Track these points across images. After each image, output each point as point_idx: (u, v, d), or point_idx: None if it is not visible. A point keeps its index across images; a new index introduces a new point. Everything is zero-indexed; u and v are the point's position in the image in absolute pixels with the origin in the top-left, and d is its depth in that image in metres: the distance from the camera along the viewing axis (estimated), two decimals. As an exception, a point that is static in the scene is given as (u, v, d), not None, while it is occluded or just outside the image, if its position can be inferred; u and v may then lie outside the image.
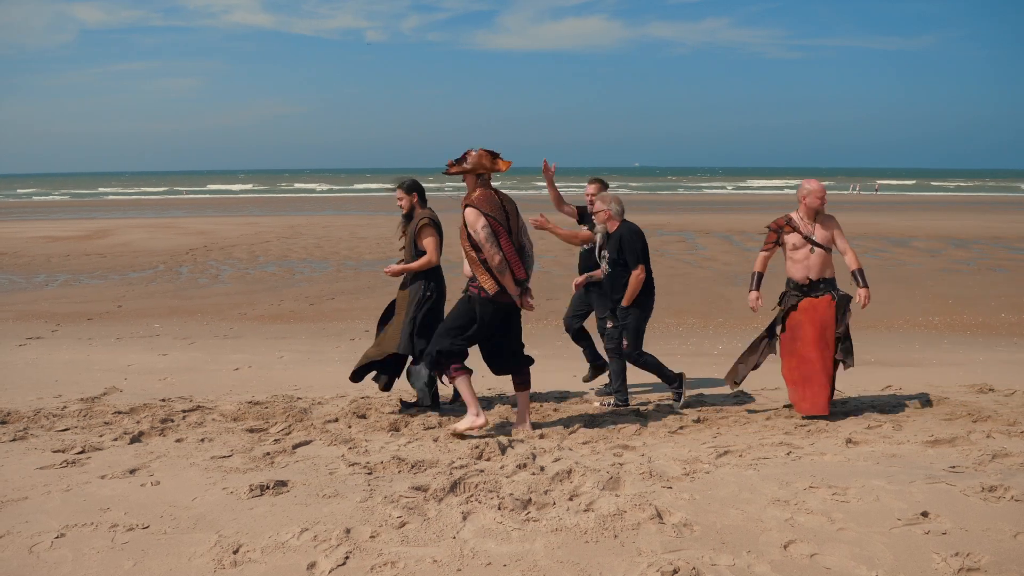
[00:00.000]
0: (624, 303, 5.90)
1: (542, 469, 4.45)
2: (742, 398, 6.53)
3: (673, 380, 6.14)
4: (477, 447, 4.88)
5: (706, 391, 6.83)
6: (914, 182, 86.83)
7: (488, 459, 4.68)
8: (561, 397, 6.47)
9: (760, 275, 6.09)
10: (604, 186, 6.54)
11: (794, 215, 5.99)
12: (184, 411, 5.88)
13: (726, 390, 6.79)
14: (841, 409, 6.00)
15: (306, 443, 5.05)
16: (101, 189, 74.68)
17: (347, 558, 3.34)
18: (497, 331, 5.31)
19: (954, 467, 4.46)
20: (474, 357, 5.51)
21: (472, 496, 4.03)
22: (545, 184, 6.57)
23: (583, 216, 6.61)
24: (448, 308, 5.66)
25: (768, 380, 7.26)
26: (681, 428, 5.45)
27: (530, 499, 3.98)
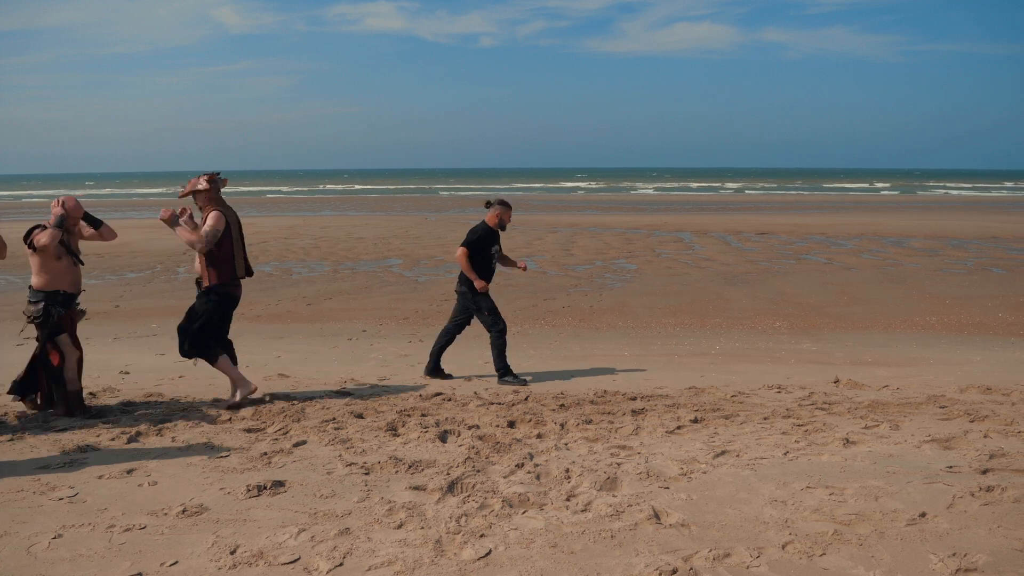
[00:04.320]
0: None
1: (539, 469, 4.45)
2: (740, 398, 6.53)
3: None
4: (474, 447, 4.88)
5: (704, 391, 6.82)
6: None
7: (486, 459, 4.68)
8: (559, 397, 6.47)
9: None
10: None
11: None
12: (182, 411, 5.88)
13: (724, 390, 6.79)
14: (838, 409, 6.00)
15: (303, 443, 5.05)
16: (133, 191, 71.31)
17: (344, 559, 3.34)
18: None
19: (951, 467, 4.47)
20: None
21: (470, 496, 4.03)
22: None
23: None
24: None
25: (768, 379, 7.27)
26: (679, 428, 5.45)
27: (528, 499, 3.98)
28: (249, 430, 5.35)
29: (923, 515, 3.72)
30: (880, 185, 76.69)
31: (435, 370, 7.51)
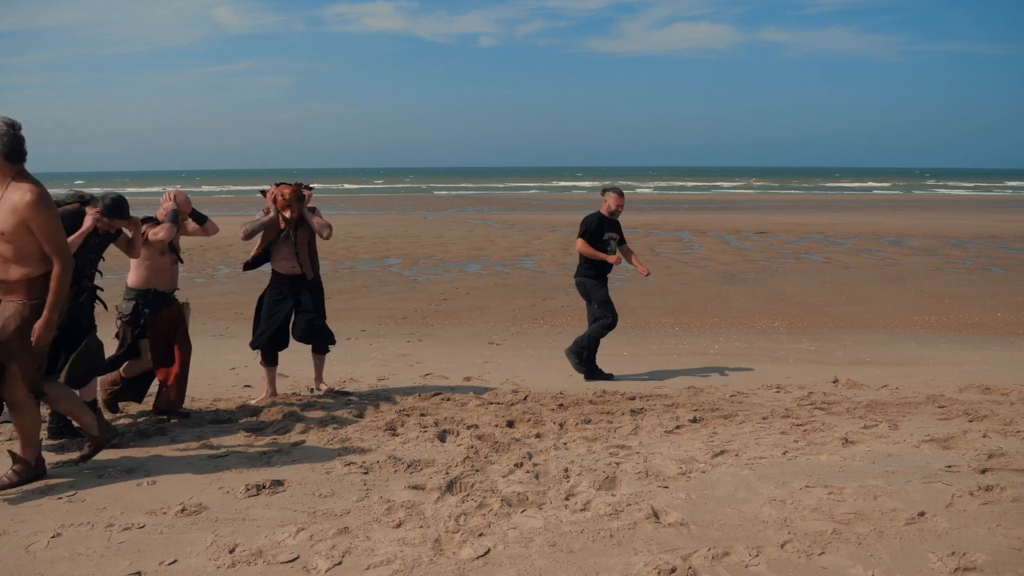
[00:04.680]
0: None
1: (538, 468, 4.45)
2: (738, 398, 6.54)
3: None
4: (473, 447, 4.88)
5: (703, 391, 6.83)
6: None
7: (485, 458, 4.68)
8: (558, 397, 6.47)
9: None
10: None
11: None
12: (180, 410, 5.87)
13: (723, 390, 6.79)
14: (837, 408, 6.00)
15: (302, 442, 5.05)
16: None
17: (343, 557, 3.34)
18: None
19: (950, 467, 4.48)
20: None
21: (468, 496, 4.03)
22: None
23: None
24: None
25: (767, 379, 7.27)
26: (677, 428, 5.45)
27: (527, 498, 3.98)
28: (248, 430, 5.35)
29: (922, 514, 3.72)
30: (880, 184, 76.48)
31: (594, 372, 7.44)
